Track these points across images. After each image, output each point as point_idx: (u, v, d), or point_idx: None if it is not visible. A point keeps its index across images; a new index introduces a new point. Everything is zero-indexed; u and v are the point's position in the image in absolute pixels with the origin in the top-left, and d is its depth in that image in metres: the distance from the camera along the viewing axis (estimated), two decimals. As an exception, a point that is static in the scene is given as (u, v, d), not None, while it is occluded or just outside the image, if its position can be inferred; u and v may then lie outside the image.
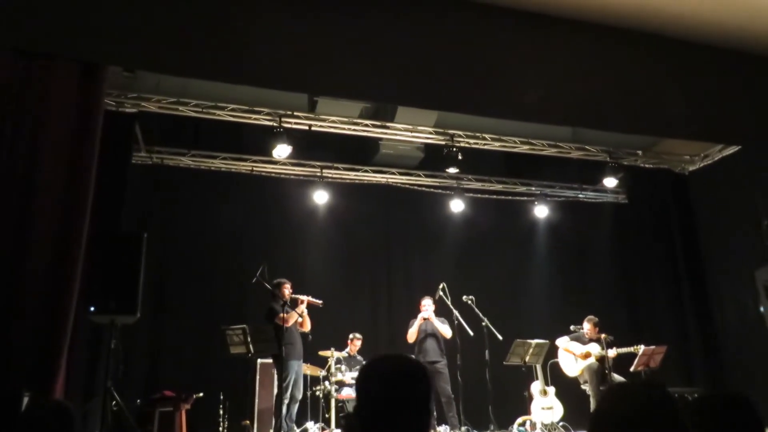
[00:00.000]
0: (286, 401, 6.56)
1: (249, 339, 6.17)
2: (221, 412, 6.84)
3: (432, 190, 9.33)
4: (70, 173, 4.62)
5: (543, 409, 7.54)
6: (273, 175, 8.64)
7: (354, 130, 7.95)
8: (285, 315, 6.62)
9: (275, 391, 6.99)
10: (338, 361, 7.43)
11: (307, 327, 6.97)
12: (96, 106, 4.84)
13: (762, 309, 7.32)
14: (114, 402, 4.97)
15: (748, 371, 7.96)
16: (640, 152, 9.30)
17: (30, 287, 4.34)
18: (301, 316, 6.86)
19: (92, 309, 4.98)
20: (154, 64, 5.36)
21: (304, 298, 6.91)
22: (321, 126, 7.76)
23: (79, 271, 4.56)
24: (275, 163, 8.43)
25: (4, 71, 4.56)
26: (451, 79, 5.70)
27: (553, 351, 7.78)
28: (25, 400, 3.96)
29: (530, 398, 7.60)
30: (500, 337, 7.19)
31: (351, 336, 7.95)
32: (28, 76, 4.63)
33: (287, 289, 6.90)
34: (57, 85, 4.68)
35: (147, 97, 7.08)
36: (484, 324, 7.23)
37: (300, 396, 6.91)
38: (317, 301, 6.99)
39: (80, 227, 4.58)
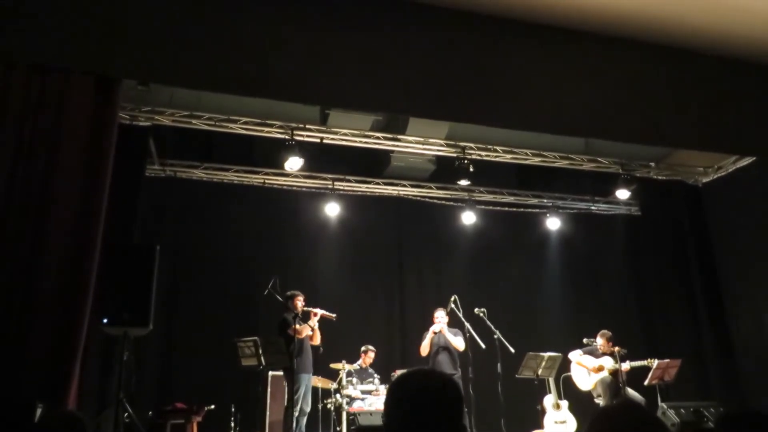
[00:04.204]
0: (296, 414, 6.55)
1: (260, 351, 6.17)
2: (232, 424, 6.83)
3: (443, 202, 9.33)
4: (85, 185, 4.68)
5: (556, 423, 7.46)
6: (285, 187, 8.68)
7: (365, 142, 7.97)
8: (298, 327, 6.63)
9: (286, 403, 6.98)
10: (349, 374, 7.40)
11: (317, 340, 6.96)
12: (110, 120, 4.90)
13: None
14: (126, 414, 4.98)
15: (764, 384, 7.84)
16: (653, 164, 9.25)
17: (44, 299, 4.37)
18: (312, 329, 6.85)
19: (105, 321, 5.00)
20: (167, 78, 5.42)
21: (317, 311, 6.90)
22: (333, 138, 7.79)
23: (92, 283, 4.59)
24: (287, 175, 8.48)
25: (20, 86, 4.63)
26: (463, 90, 5.73)
27: (566, 364, 7.72)
28: (39, 411, 3.98)
29: (543, 412, 7.53)
30: (512, 350, 7.13)
31: (364, 348, 7.91)
32: (44, 91, 4.70)
33: (300, 302, 6.90)
34: (72, 99, 4.75)
35: (160, 111, 7.15)
36: (496, 336, 7.18)
37: (308, 409, 6.88)
38: (331, 314, 6.96)
39: (94, 239, 4.62)
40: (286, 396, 6.92)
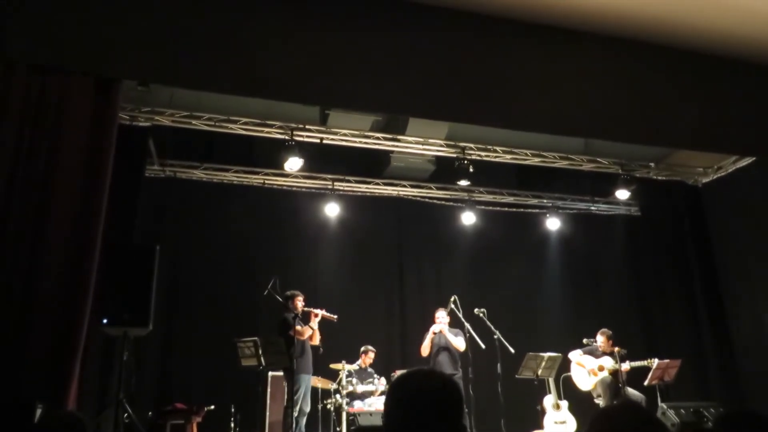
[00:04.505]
0: (295, 414, 6.55)
1: (260, 351, 6.17)
2: (232, 425, 6.82)
3: (443, 202, 9.33)
4: (85, 185, 4.68)
5: (556, 423, 7.46)
6: (285, 187, 8.69)
7: (365, 142, 7.97)
8: (300, 328, 6.62)
9: (286, 403, 6.98)
10: (349, 374, 7.40)
11: (317, 340, 6.95)
12: (110, 120, 4.90)
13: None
14: (126, 414, 4.98)
15: (764, 384, 7.83)
16: (652, 164, 9.25)
17: (44, 299, 4.37)
18: (312, 330, 6.85)
19: (105, 321, 5.00)
20: (167, 78, 5.42)
21: (319, 312, 6.88)
22: (332, 139, 7.79)
23: (92, 283, 4.59)
24: (287, 175, 8.48)
25: (20, 86, 4.63)
26: (463, 90, 5.73)
27: (565, 365, 7.72)
28: (39, 411, 3.98)
29: (543, 412, 7.53)
30: (512, 350, 7.14)
31: (363, 348, 7.91)
32: (44, 91, 4.70)
33: (300, 302, 6.89)
34: (72, 100, 4.75)
35: (160, 111, 7.16)
36: (496, 337, 7.18)
37: (308, 409, 6.88)
38: (332, 316, 6.94)
39: (94, 239, 4.62)
40: (286, 396, 6.93)
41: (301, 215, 8.65)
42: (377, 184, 9.00)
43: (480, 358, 7.31)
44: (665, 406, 6.89)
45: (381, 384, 7.49)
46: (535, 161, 8.60)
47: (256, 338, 6.25)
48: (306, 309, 6.90)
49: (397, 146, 8.16)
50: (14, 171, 4.49)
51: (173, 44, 5.06)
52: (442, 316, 7.50)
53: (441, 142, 8.14)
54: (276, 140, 7.64)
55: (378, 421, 6.55)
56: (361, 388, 7.37)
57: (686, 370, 7.70)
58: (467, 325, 7.31)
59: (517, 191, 9.65)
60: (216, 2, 5.26)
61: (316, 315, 6.84)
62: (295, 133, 7.55)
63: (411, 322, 8.78)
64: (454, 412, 1.66)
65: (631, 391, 7.27)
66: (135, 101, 6.90)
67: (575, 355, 7.76)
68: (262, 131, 7.58)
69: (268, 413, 7.09)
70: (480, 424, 7.22)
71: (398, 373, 6.61)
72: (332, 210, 8.51)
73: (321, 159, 8.30)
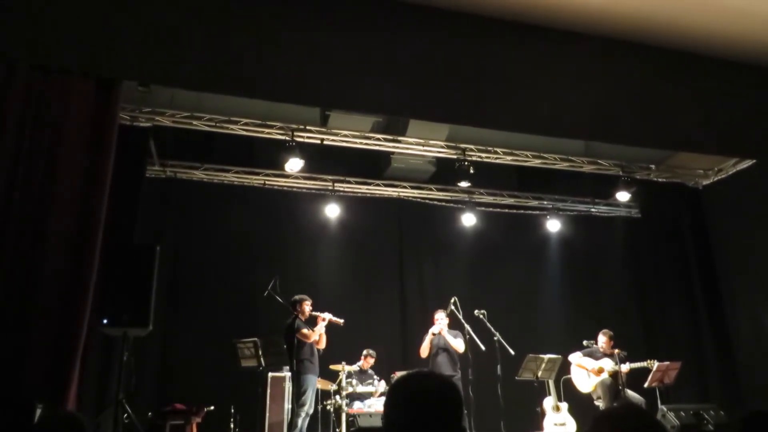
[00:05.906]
0: (302, 415, 6.56)
1: (260, 352, 6.17)
2: (232, 425, 6.82)
3: (444, 203, 9.33)
4: (85, 186, 4.68)
5: (556, 425, 7.46)
6: (285, 188, 8.69)
7: (366, 143, 7.97)
8: (306, 331, 6.63)
9: (286, 404, 6.98)
10: (349, 375, 7.40)
11: (323, 345, 6.96)
12: (111, 120, 4.90)
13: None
14: (125, 414, 4.97)
15: (764, 386, 7.83)
16: (653, 166, 9.24)
17: (44, 299, 4.37)
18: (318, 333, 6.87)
19: (105, 321, 4.99)
20: (168, 79, 5.42)
21: (326, 316, 6.88)
22: (333, 140, 7.80)
23: (92, 283, 4.59)
24: (287, 176, 8.48)
25: (21, 86, 4.63)
26: (463, 92, 5.73)
27: (565, 366, 7.71)
28: (39, 411, 3.98)
29: (543, 414, 7.52)
30: (512, 352, 7.12)
31: (365, 352, 7.90)
32: (45, 91, 4.71)
33: (308, 306, 6.89)
34: (73, 100, 4.75)
35: (161, 112, 7.16)
36: (496, 338, 7.17)
37: (311, 411, 6.88)
38: (339, 320, 6.94)
39: (94, 240, 4.62)
40: (287, 397, 6.94)
41: (302, 216, 8.65)
42: (377, 185, 9.00)
43: (480, 360, 7.30)
44: (665, 409, 6.88)
45: (381, 386, 7.48)
46: (535, 163, 8.60)
47: (256, 339, 6.25)
48: (313, 313, 6.91)
49: (397, 147, 8.16)
50: (14, 171, 4.49)
51: (174, 45, 5.07)
52: (441, 318, 7.50)
53: (441, 143, 8.14)
54: (276, 141, 7.64)
55: (378, 423, 6.55)
56: (360, 389, 7.36)
57: (686, 372, 7.70)
58: (467, 326, 7.30)
59: (517, 193, 9.65)
60: (216, 3, 5.27)
61: (323, 319, 6.84)
62: (295, 133, 7.56)
63: (411, 323, 8.78)
64: (454, 413, 1.66)
65: (630, 392, 7.25)
66: (135, 101, 6.90)
67: (575, 357, 7.76)
68: (262, 132, 7.58)
69: (267, 414, 7.08)
70: (480, 425, 7.20)
71: (398, 374, 6.62)
72: (332, 211, 8.51)
73: (321, 160, 8.30)
